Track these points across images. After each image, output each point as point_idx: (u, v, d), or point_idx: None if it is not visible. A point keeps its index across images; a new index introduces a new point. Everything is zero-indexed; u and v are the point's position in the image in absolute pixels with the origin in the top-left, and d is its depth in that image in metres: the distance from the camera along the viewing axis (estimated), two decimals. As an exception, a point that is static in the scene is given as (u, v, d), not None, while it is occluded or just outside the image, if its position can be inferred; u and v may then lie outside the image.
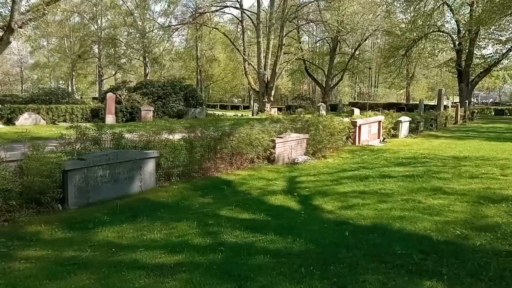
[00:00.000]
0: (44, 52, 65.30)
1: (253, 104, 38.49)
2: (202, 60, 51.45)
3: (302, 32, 48.32)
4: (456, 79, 41.93)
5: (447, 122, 25.57)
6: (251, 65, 37.03)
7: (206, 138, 8.81)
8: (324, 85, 46.89)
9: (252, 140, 9.96)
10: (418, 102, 61.28)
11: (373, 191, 7.39)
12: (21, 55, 71.90)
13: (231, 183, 7.95)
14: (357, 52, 47.94)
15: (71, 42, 52.09)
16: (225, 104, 65.76)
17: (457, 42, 39.21)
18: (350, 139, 14.95)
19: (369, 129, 15.75)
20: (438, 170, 9.99)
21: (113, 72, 52.27)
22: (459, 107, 27.49)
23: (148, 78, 45.16)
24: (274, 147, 10.47)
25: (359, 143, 15.04)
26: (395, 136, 18.40)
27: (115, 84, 44.11)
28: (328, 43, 48.63)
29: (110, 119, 23.36)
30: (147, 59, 47.19)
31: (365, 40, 43.71)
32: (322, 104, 14.75)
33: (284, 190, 7.51)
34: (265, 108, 36.44)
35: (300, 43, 44.84)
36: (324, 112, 14.10)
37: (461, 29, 38.63)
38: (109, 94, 24.00)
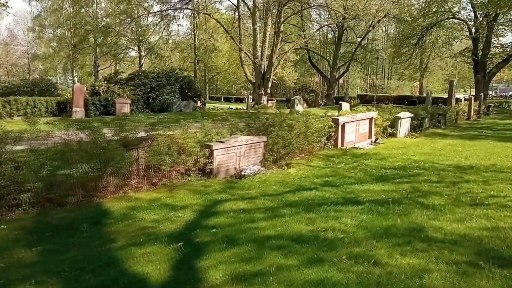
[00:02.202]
0: (42, 42, 63.71)
1: (248, 97, 35.77)
2: (201, 50, 48.76)
3: (308, 21, 45.28)
4: (472, 70, 38.61)
5: (458, 118, 22.55)
6: (247, 54, 34.27)
7: (93, 146, 6.26)
8: (328, 77, 43.88)
9: (180, 147, 7.40)
10: (431, 95, 58.01)
11: (312, 236, 4.76)
12: (28, 46, 70.62)
13: (107, 216, 5.42)
14: (364, 41, 44.73)
15: (67, 31, 49.99)
16: (230, 96, 63.13)
17: (473, 30, 35.85)
18: (332, 140, 12.26)
19: (357, 128, 13.02)
20: (429, 189, 7.29)
21: (109, 63, 49.96)
22: (472, 101, 24.40)
23: (143, 69, 42.82)
24: (211, 156, 7.88)
25: (342, 145, 12.34)
26: (393, 135, 15.62)
27: (107, 75, 42.05)
28: (333, 31, 45.46)
29: (78, 113, 21.04)
30: (141, 49, 44.76)
31: (373, 27, 40.48)
32: (298, 97, 12.09)
33: (178, 231, 4.94)
34: (261, 101, 33.74)
35: (303, 31, 41.77)
36: (300, 107, 11.40)
37: (478, 15, 35.26)
38: (76, 85, 21.69)
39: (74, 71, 62.92)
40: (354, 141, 12.80)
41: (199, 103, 33.49)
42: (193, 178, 7.74)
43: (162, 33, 43.98)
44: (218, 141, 8.17)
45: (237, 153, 8.46)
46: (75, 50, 49.37)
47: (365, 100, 47.57)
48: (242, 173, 8.21)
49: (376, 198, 6.57)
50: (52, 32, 58.69)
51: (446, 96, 43.99)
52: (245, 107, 33.90)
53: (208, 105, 34.68)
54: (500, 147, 13.31)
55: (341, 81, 77.59)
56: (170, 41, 49.79)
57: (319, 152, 11.34)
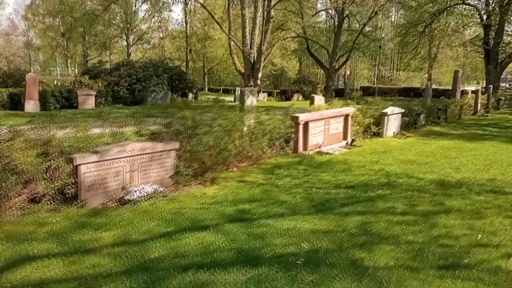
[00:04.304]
0: (36, 32, 61.89)
1: (235, 88, 33.22)
2: (193, 38, 46.14)
3: (308, 8, 42.32)
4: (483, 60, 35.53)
5: (462, 113, 19.80)
6: (235, 42, 31.67)
7: None
8: (328, 67, 41.08)
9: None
10: (440, 86, 54.59)
11: None
12: (28, 36, 68.89)
13: None
14: (367, 28, 41.72)
15: (55, 19, 47.85)
16: (229, 88, 60.54)
17: (484, 16, 32.80)
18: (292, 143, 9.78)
19: (326, 127, 10.50)
20: (384, 229, 4.82)
21: (99, 53, 47.67)
22: (479, 93, 21.55)
23: (131, 59, 40.53)
24: (75, 173, 5.48)
25: (305, 149, 9.85)
26: (378, 135, 13.07)
27: (91, 65, 39.84)
28: (332, 18, 42.46)
29: (31, 106, 18.82)
30: (130, 37, 42.40)
31: (375, 14, 37.45)
32: (249, 88, 9.60)
33: None
34: (251, 93, 31.18)
35: (302, 18, 38.84)
36: (254, 101, 8.94)
37: (490, 0, 32.18)
38: (29, 75, 19.41)
39: (69, 61, 61.12)
40: (321, 144, 10.30)
41: (190, 95, 31.17)
42: (52, 206, 5.35)
43: (152, 21, 41.50)
44: (93, 152, 5.76)
45: (127, 167, 6.04)
46: (64, 39, 47.24)
47: (368, 92, 44.74)
48: (127, 197, 5.81)
49: (288, 252, 4.13)
50: (43, 21, 56.69)
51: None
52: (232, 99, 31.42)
53: (204, 97, 32.19)
54: (506, 151, 10.71)
55: (347, 72, 74.61)
56: (160, 29, 47.22)
57: (269, 160, 8.86)
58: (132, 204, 5.72)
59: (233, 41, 31.22)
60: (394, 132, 13.68)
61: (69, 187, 5.41)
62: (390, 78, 72.21)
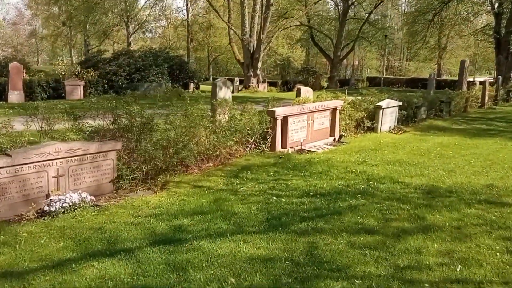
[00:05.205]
0: (38, 20, 61.25)
1: (234, 79, 32.17)
2: (195, 27, 44.97)
3: None
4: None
5: (468, 106, 18.58)
6: (233, 30, 30.54)
7: None
8: (332, 57, 39.76)
9: None
10: (450, 77, 52.79)
11: None
12: (35, 25, 68.31)
13: None
14: (374, 17, 40.23)
15: (55, 7, 47.04)
16: (232, 78, 59.36)
17: (496, 4, 31.22)
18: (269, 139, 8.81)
19: (309, 122, 9.51)
20: (338, 259, 3.87)
21: (100, 42, 46.79)
22: (487, 85, 20.25)
23: (132, 48, 39.66)
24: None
25: (284, 146, 8.89)
26: (372, 129, 12.04)
27: (90, 54, 39.06)
28: (337, 6, 40.99)
29: (14, 96, 18.07)
30: (130, 26, 41.43)
31: (381, 1, 35.98)
32: (221, 79, 8.62)
33: None
34: (250, 83, 30.20)
35: (306, 6, 37.48)
36: (227, 93, 7.99)
37: (502, -15, 30.58)
38: (13, 64, 18.58)
39: (72, 51, 60.45)
40: (304, 141, 9.32)
41: (191, 86, 30.25)
42: None
43: (152, 9, 40.47)
44: (4, 154, 4.88)
45: (51, 172, 5.15)
46: (65, 28, 46.46)
47: (375, 83, 43.44)
48: (49, 208, 4.92)
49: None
50: (46, 10, 55.92)
51: (470, 79, 39.10)
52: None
53: (206, 87, 31.21)
54: (510, 149, 9.63)
55: (356, 62, 72.89)
56: (161, 18, 46.09)
57: (239, 159, 7.92)
58: (52, 217, 4.83)
59: (232, 29, 30.11)
60: (390, 127, 12.63)
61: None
62: (399, 68, 70.47)
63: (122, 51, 30.15)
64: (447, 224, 4.78)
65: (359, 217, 4.95)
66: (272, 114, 8.51)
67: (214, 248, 4.03)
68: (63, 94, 20.32)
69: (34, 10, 61.75)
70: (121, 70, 24.77)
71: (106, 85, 23.17)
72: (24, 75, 21.22)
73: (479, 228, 4.67)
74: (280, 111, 8.54)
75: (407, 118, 13.92)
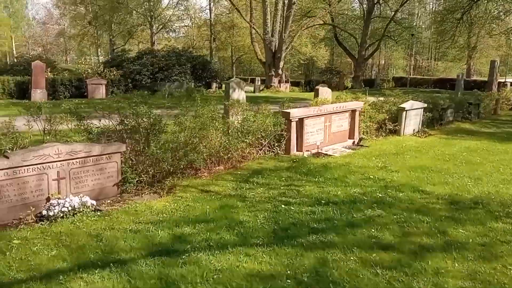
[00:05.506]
0: (66, 20, 62.42)
1: (256, 78, 31.85)
2: (217, 26, 44.82)
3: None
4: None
5: (498, 108, 17.75)
6: (255, 29, 30.24)
7: None
8: (356, 56, 38.96)
9: None
10: (481, 78, 50.99)
11: None
12: (64, 25, 69.89)
13: None
14: (400, 15, 39.16)
15: (82, 7, 47.80)
16: (254, 77, 59.08)
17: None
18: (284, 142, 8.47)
19: (327, 124, 9.12)
20: (345, 279, 3.53)
21: (124, 41, 47.28)
22: (519, 86, 19.35)
23: (155, 47, 39.92)
24: (-23, 183, 4.47)
25: (300, 149, 8.54)
26: (395, 132, 11.54)
27: (115, 54, 39.51)
28: (361, 4, 40.09)
29: (38, 95, 18.29)
30: (153, 26, 41.67)
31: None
32: (235, 80, 8.34)
33: None
34: (272, 83, 29.86)
35: (329, 5, 36.78)
36: (241, 95, 7.75)
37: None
38: (36, 63, 18.81)
39: (99, 50, 61.43)
40: (320, 144, 8.94)
41: (214, 85, 30.23)
42: None
43: (176, 8, 40.59)
44: (3, 156, 4.73)
45: (51, 174, 4.98)
46: (91, 28, 47.16)
47: (401, 83, 42.40)
48: (47, 212, 4.75)
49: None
50: (73, 10, 57.00)
51: (502, 79, 37.67)
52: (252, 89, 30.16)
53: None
54: (543, 156, 9.01)
55: (382, 61, 71.40)
56: (184, 17, 46.17)
57: (251, 163, 7.62)
58: (50, 221, 4.66)
59: (254, 28, 29.82)
60: (414, 130, 12.10)
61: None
62: (427, 68, 68.67)
63: (146, 51, 30.44)
64: (471, 240, 4.36)
65: (373, 230, 4.57)
66: (286, 115, 8.17)
67: (212, 262, 3.75)
68: (85, 93, 20.50)
69: (61, 9, 63.05)
70: (145, 69, 24.97)
71: (130, 84, 23.31)
72: (49, 73, 21.53)
73: (507, 246, 4.23)
74: (295, 113, 8.20)
75: (432, 121, 13.34)
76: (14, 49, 59.94)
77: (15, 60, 28.43)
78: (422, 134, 11.93)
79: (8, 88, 18.81)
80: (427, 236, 4.44)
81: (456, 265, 3.78)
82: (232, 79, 9.20)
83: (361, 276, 3.54)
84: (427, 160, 8.45)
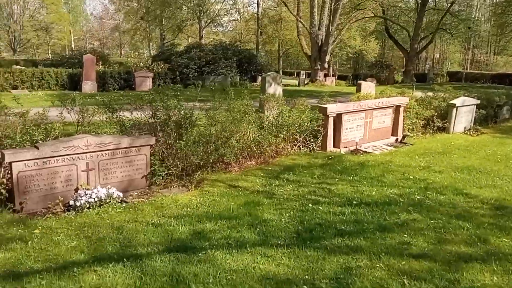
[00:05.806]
0: (121, 15, 64.61)
1: (301, 72, 31.36)
2: (265, 20, 44.59)
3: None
4: None
5: None
6: (302, 23, 29.74)
7: None
8: (408, 50, 37.39)
9: None
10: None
11: None
12: (119, 20, 72.73)
13: None
14: (456, 7, 37.10)
15: (135, 2, 49.29)
16: (299, 71, 58.29)
17: None
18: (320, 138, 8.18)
19: (367, 120, 8.72)
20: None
21: (175, 36, 48.26)
22: None
23: (203, 41, 40.46)
24: (9, 173, 4.60)
25: (337, 146, 8.22)
26: (443, 130, 10.90)
27: (165, 48, 40.42)
28: (415, -5, 38.26)
29: (88, 86, 19.04)
30: (202, 20, 42.15)
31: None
32: (272, 74, 8.14)
33: None
34: (317, 77, 29.34)
35: (381, -3, 35.46)
36: (277, 89, 7.59)
37: None
38: (87, 56, 19.52)
39: (151, 44, 63.23)
40: (360, 140, 8.56)
41: (259, 79, 30.26)
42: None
43: (224, 3, 40.83)
44: (32, 147, 4.85)
45: (81, 165, 5.05)
46: (143, 22, 48.53)
47: (456, 78, 40.31)
48: (75, 202, 4.82)
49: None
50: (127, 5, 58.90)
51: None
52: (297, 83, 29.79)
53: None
54: None
55: (437, 55, 68.24)
56: (232, 11, 46.34)
57: (285, 158, 7.41)
58: (76, 211, 4.72)
59: (300, 21, 29.35)
60: (465, 127, 11.36)
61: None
62: (485, 62, 64.86)
63: (193, 45, 30.89)
64: (518, 251, 3.93)
65: (406, 236, 4.24)
66: (323, 111, 7.87)
67: (228, 261, 3.61)
68: (133, 86, 21.06)
69: (116, 5, 65.33)
70: (192, 63, 25.32)
71: (178, 77, 23.72)
72: (100, 66, 22.32)
73: (559, 260, 3.77)
74: (333, 108, 7.88)
75: (486, 118, 12.48)
76: (72, 43, 63.04)
77: (72, 54, 29.66)
78: (473, 132, 11.18)
79: (61, 80, 19.68)
80: (466, 245, 4.06)
81: (495, 278, 3.40)
82: (268, 73, 9.01)
83: (385, 286, 3.26)
84: (476, 160, 7.85)
